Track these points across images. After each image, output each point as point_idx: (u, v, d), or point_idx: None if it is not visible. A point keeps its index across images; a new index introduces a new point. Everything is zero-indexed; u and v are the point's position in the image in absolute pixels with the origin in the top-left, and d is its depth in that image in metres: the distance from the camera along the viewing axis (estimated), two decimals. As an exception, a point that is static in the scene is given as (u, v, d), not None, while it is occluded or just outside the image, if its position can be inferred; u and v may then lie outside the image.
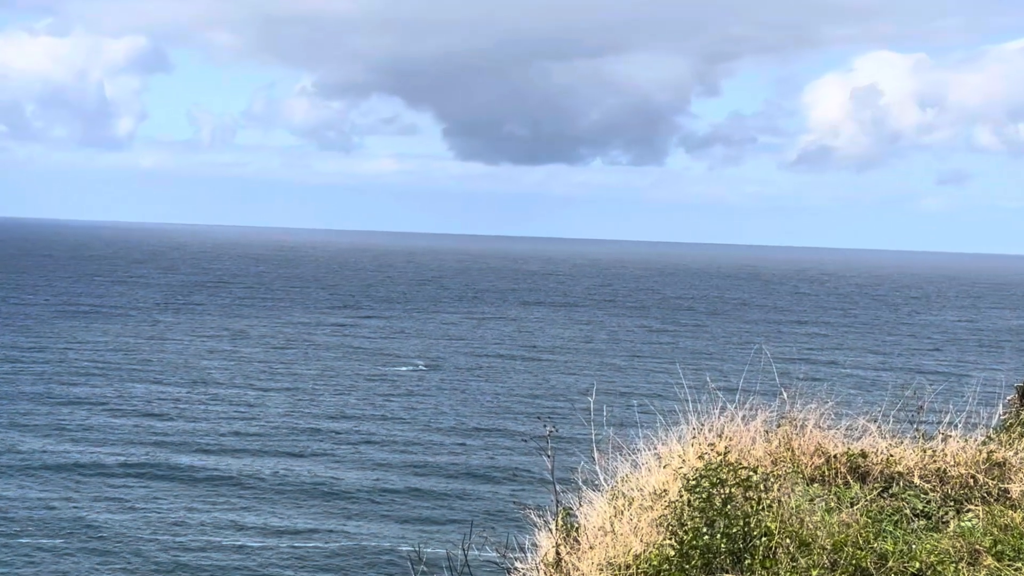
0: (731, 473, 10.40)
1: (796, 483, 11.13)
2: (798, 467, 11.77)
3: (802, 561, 9.73)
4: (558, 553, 10.74)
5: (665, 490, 10.99)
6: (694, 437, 12.06)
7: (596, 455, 12.13)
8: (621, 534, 10.61)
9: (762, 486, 10.41)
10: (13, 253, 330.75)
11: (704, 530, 9.89)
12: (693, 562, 9.79)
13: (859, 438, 12.43)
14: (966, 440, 12.38)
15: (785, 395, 12.65)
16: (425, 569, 14.54)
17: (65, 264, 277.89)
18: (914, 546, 10.04)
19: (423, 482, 65.05)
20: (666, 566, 9.81)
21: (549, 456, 11.67)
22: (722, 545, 9.79)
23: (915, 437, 12.49)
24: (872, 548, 9.86)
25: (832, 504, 10.76)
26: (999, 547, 10.10)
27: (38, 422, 76.58)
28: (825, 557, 9.77)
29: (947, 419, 13.00)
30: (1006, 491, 11.48)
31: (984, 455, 11.92)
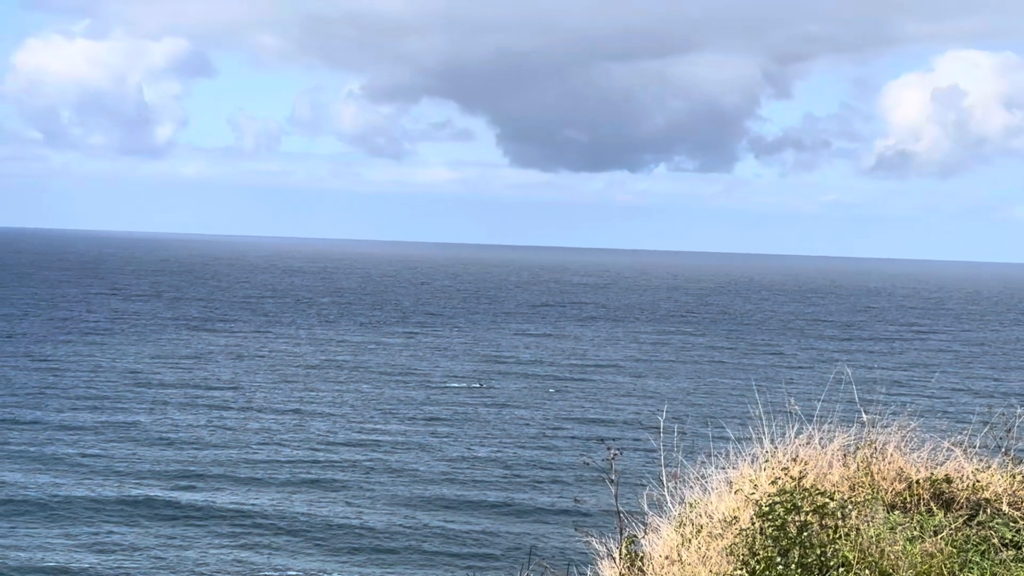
0: (807, 499, 10.42)
1: (876, 510, 11.11)
2: (878, 493, 11.75)
3: (882, 593, 9.72)
4: (622, 583, 10.80)
5: (736, 517, 11.02)
6: (767, 460, 12.08)
7: (665, 478, 12.19)
8: (689, 563, 10.66)
9: (840, 513, 10.42)
10: (48, 266, 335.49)
11: (778, 560, 9.91)
12: (766, 593, 9.81)
13: (943, 462, 12.39)
14: (1060, 465, 12.30)
15: (865, 417, 12.64)
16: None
17: (102, 277, 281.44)
18: (1003, 578, 10.01)
19: (469, 514, 63.31)
20: (737, 597, 9.85)
21: (613, 480, 11.74)
22: (797, 576, 9.80)
23: (1004, 462, 12.42)
24: (957, 580, 9.84)
25: (914, 533, 10.74)
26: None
27: (51, 451, 75.25)
28: (907, 589, 9.76)
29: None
30: (1103, 520, 11.39)
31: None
